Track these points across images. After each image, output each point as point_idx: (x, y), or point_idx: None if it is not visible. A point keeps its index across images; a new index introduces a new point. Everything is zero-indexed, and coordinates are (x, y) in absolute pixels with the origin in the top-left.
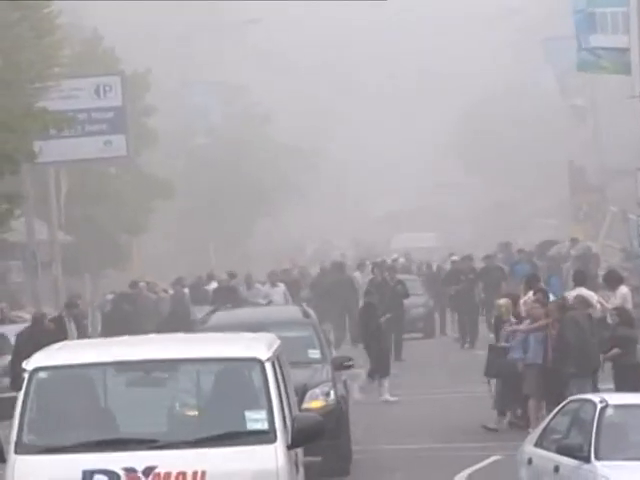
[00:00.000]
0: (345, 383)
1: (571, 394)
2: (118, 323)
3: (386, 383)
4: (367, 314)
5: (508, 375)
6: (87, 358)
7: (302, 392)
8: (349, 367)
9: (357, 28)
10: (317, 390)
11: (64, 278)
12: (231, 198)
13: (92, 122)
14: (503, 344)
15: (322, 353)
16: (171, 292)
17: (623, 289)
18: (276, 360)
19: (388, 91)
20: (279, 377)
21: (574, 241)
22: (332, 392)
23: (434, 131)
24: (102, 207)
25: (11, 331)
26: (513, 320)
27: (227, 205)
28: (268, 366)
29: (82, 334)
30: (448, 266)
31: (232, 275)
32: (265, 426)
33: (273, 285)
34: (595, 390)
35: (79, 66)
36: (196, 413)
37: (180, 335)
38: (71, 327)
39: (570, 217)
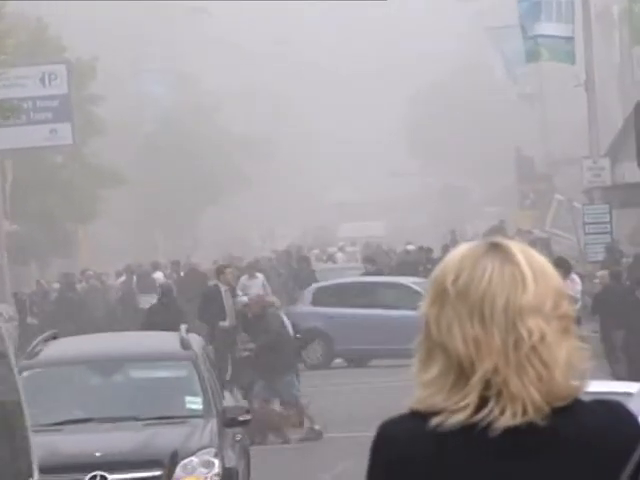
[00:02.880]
0: (242, 444)
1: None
2: (65, 312)
3: None
4: None
5: None
6: None
7: (172, 462)
8: (245, 423)
9: (308, 17)
10: (194, 460)
11: (10, 266)
12: (180, 186)
13: (37, 110)
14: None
15: (206, 402)
16: (122, 279)
17: (574, 277)
18: None
19: (340, 80)
20: None
21: (520, 232)
22: (217, 462)
23: (385, 120)
24: (49, 195)
25: None
26: None
27: (176, 193)
28: None
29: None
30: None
31: (176, 264)
32: None
33: (251, 276)
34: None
35: (24, 54)
36: None
37: None
38: (227, 296)
39: (516, 205)
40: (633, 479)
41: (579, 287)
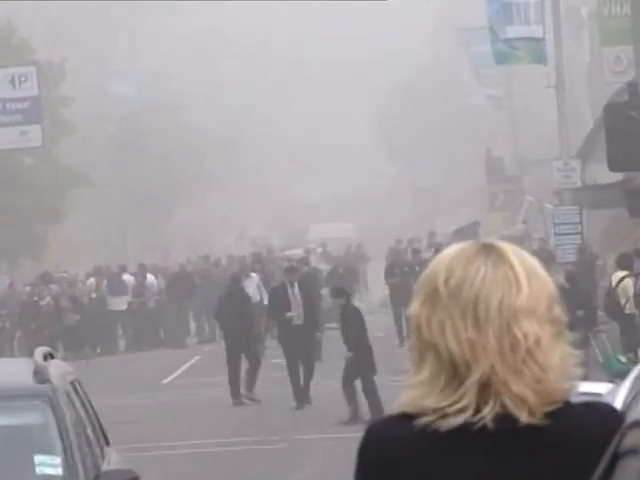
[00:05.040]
0: None
1: None
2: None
3: None
4: None
5: None
6: None
7: None
8: None
9: (276, 15)
10: None
11: None
12: (149, 186)
13: (7, 112)
14: None
15: (68, 464)
16: (91, 281)
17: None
18: None
19: (309, 79)
20: None
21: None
22: None
23: (353, 119)
24: (18, 196)
25: None
26: None
27: (145, 193)
28: None
29: (309, 302)
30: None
31: (141, 266)
32: None
33: (246, 277)
34: None
35: None
36: None
37: None
38: (294, 292)
39: (486, 206)
40: (606, 475)
41: None
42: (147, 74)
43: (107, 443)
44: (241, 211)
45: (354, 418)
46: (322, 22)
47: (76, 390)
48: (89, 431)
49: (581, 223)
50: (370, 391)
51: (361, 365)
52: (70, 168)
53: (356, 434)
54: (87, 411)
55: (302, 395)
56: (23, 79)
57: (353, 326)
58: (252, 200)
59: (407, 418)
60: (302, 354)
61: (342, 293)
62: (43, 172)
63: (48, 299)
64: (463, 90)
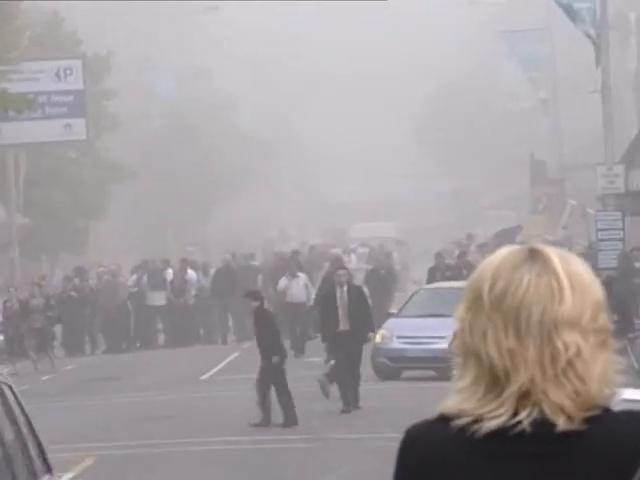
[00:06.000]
0: None
1: None
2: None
3: None
4: None
5: None
6: None
7: None
8: None
9: (320, 16)
10: None
11: (21, 260)
12: (190, 184)
13: (52, 105)
14: None
15: None
16: (134, 277)
17: None
18: None
19: (351, 80)
20: None
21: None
22: None
23: (397, 120)
24: (60, 190)
25: None
26: None
27: (186, 190)
28: None
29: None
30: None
31: (184, 261)
32: None
33: (293, 276)
34: None
35: (39, 47)
36: None
37: None
38: (342, 296)
39: (529, 209)
40: None
41: None
42: (189, 70)
43: (49, 470)
44: (281, 210)
45: (266, 421)
46: (364, 27)
47: (2, 395)
48: (13, 449)
49: (623, 229)
50: (283, 396)
51: (275, 370)
52: (113, 162)
53: (390, 435)
54: (17, 424)
55: (350, 399)
56: (69, 72)
57: (266, 330)
58: (292, 200)
59: (446, 421)
60: (349, 359)
61: (257, 296)
62: (86, 166)
63: (14, 300)
64: (507, 93)
